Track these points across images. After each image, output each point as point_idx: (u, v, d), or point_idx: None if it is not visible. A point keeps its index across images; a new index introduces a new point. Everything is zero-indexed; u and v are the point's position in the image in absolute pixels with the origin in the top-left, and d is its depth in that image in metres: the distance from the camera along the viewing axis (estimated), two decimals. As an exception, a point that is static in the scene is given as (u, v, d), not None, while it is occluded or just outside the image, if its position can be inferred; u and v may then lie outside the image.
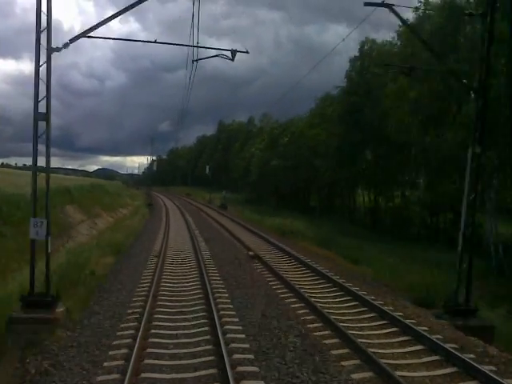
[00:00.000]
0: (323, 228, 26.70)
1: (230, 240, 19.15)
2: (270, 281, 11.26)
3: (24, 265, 10.82)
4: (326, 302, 9.34)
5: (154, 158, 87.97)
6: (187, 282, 10.72)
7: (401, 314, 8.34)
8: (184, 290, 9.93)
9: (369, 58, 27.36)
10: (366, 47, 27.88)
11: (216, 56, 10.35)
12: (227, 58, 9.77)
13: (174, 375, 5.68)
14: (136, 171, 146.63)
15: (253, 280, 11.19)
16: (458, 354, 6.19)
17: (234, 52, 9.64)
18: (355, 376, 5.70)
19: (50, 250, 7.49)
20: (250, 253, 14.67)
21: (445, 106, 21.89)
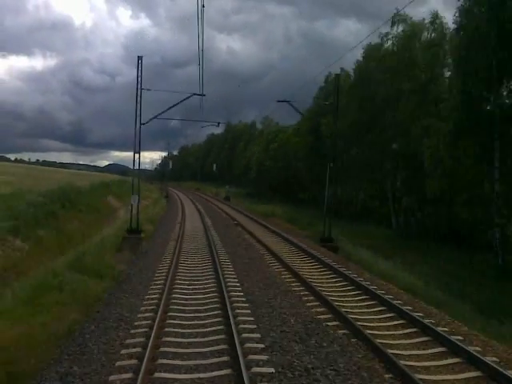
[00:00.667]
0: (300, 213, 35.79)
1: (225, 217, 28.48)
2: (243, 233, 20.56)
3: (100, 225, 20.36)
4: (264, 237, 18.56)
5: (166, 154, 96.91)
6: (197, 235, 19.97)
7: (300, 243, 17.57)
8: (196, 236, 19.19)
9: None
10: (330, 79, 36.43)
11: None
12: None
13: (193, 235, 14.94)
14: (147, 166, 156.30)
15: (233, 232, 20.51)
16: (316, 254, 15.42)
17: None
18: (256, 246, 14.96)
19: (138, 210, 16.88)
20: (235, 222, 24.02)
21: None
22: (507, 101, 21.14)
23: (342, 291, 10.58)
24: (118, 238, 16.86)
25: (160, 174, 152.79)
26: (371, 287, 10.40)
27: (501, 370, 5.75)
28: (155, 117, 16.08)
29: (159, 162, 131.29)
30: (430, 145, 23.38)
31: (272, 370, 5.58)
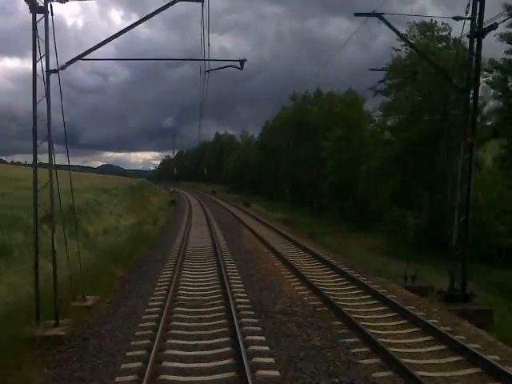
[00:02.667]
0: (254, 198, 62.22)
1: (210, 198, 55.27)
2: (217, 203, 47.30)
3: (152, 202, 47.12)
4: (228, 206, 45.28)
5: (159, 154, 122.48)
6: (197, 204, 46.48)
7: (283, 231, 44.27)
8: (196, 204, 45.74)
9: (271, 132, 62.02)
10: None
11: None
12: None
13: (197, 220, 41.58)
14: (140, 167, 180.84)
15: (212, 203, 47.32)
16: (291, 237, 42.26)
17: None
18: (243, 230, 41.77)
19: (174, 191, 43.59)
20: (216, 198, 50.89)
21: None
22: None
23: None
24: (166, 204, 43.32)
25: (158, 175, 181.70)
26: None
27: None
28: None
29: (153, 162, 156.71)
30: None
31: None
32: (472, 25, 10.29)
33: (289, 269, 12.60)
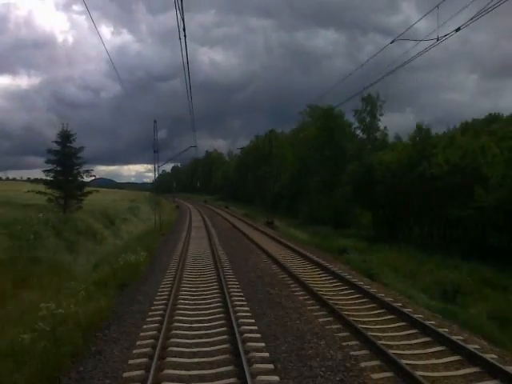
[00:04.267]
0: (234, 203, 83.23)
1: (203, 206, 76.46)
2: (210, 208, 68.58)
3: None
4: (216, 209, 66.56)
5: (153, 166, 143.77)
6: (194, 208, 67.60)
7: (240, 216, 65.60)
8: (193, 208, 66.92)
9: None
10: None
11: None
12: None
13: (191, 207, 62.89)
14: (133, 179, 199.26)
15: (205, 207, 68.61)
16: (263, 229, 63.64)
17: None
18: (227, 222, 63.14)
19: (178, 204, 64.73)
20: (207, 204, 72.09)
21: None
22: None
23: None
24: (173, 208, 64.31)
25: (156, 188, 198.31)
26: None
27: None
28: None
29: (146, 174, 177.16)
30: None
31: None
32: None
33: (229, 222, 33.92)
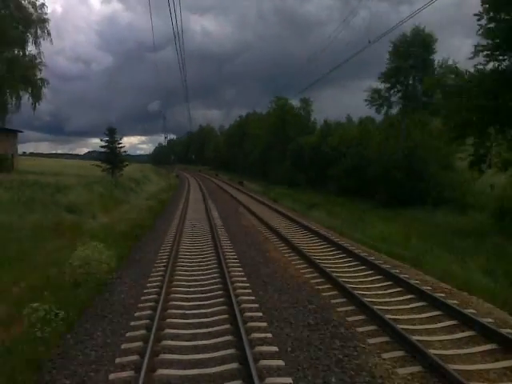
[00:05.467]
0: (223, 172, 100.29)
1: (198, 174, 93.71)
2: (203, 176, 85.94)
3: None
4: (206, 175, 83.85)
5: (145, 138, 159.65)
6: (190, 174, 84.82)
7: (232, 184, 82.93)
8: (189, 173, 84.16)
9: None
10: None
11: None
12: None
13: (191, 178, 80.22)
14: (127, 151, 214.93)
15: (199, 175, 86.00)
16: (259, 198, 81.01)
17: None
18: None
19: (177, 174, 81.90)
20: (200, 172, 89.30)
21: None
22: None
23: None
24: (174, 176, 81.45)
25: (153, 160, 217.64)
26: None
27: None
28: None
29: (140, 146, 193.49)
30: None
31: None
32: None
33: (215, 184, 51.28)
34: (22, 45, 33.85)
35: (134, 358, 5.80)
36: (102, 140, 43.30)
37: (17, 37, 32.57)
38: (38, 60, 35.21)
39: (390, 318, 6.99)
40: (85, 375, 5.46)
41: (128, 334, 6.64)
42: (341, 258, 11.90)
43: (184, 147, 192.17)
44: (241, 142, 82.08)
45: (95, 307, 7.91)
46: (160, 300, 7.78)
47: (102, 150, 43.33)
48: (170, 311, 7.62)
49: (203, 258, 11.84)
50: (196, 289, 8.99)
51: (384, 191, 30.11)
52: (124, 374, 5.43)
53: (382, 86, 33.98)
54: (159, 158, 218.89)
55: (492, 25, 17.86)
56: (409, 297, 8.40)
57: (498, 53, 17.96)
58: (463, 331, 6.71)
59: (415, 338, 6.28)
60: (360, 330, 6.86)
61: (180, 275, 9.96)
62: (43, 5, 34.47)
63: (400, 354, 5.98)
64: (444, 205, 24.64)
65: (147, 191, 47.20)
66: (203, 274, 10.07)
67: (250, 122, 78.86)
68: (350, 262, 11.37)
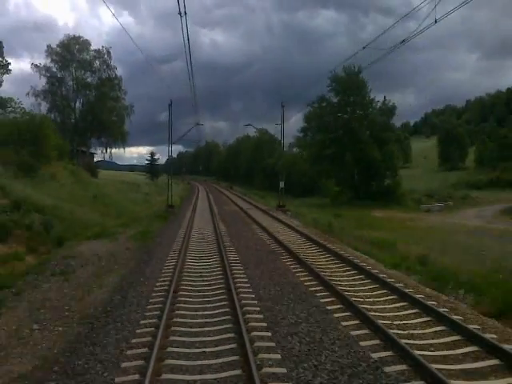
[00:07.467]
0: (226, 182, 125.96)
1: (205, 183, 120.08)
2: (208, 184, 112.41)
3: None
4: (213, 185, 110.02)
5: (153, 149, 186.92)
6: (201, 184, 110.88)
7: (227, 189, 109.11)
8: (200, 186, 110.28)
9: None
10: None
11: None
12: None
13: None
14: (135, 161, 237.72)
15: (206, 184, 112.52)
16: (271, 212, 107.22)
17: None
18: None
19: (189, 182, 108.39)
20: (206, 182, 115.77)
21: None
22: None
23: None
24: (187, 184, 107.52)
25: (165, 171, 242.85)
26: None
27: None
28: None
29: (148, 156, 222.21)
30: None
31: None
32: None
33: (216, 189, 77.39)
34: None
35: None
36: (147, 160, 70.36)
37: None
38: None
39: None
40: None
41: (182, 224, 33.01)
42: (250, 208, 38.05)
43: (193, 160, 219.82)
44: (235, 159, 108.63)
45: (175, 215, 34.16)
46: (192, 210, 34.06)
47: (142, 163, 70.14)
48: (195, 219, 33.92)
49: (207, 206, 38.11)
50: (204, 230, 35.26)
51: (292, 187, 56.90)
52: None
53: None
54: (169, 169, 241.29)
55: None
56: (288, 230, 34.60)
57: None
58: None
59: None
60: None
61: (197, 212, 36.21)
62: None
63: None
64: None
65: (175, 188, 74.07)
66: (207, 214, 36.35)
67: (241, 143, 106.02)
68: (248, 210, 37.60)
